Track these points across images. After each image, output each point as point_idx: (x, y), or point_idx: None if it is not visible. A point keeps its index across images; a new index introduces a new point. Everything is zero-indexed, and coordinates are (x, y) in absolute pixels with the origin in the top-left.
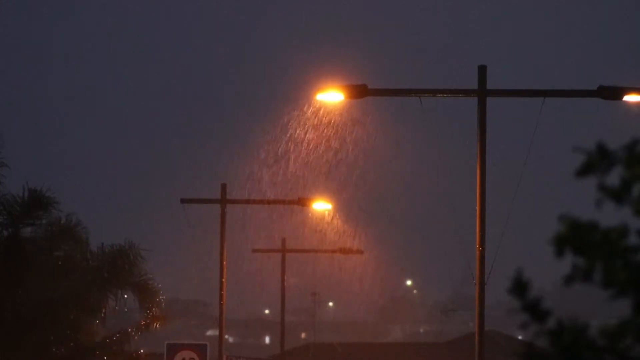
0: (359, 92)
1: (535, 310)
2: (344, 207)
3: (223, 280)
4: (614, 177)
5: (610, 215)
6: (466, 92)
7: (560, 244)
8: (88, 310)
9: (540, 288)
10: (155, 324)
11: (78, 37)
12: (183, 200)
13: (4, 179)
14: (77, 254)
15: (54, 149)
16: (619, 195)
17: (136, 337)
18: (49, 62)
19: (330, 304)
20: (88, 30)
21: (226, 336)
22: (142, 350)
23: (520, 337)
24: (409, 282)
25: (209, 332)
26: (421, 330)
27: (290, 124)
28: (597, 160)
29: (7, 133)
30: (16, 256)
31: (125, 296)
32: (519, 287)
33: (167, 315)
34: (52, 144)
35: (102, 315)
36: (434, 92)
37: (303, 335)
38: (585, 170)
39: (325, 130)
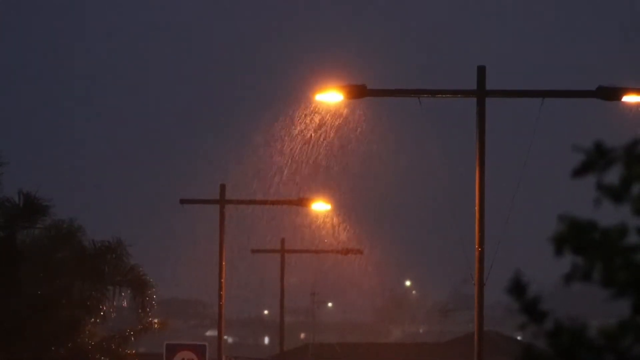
0: (358, 92)
1: (533, 312)
2: (344, 207)
3: (222, 280)
4: (612, 176)
5: (610, 215)
6: (465, 93)
7: (560, 243)
8: (84, 308)
9: (540, 288)
10: (154, 325)
11: (77, 37)
12: (182, 201)
13: (3, 178)
14: (75, 256)
15: (53, 148)
16: (618, 194)
17: (134, 339)
18: (49, 61)
19: (330, 304)
20: (87, 29)
21: (225, 336)
22: (133, 351)
23: (519, 338)
24: (408, 283)
25: (208, 333)
26: (421, 331)
27: (289, 124)
28: (596, 159)
29: (7, 134)
30: (12, 257)
31: (123, 294)
32: (518, 288)
33: (165, 318)
34: (51, 144)
35: (101, 314)
36: (433, 92)
37: (302, 335)
38: (583, 170)
39: (325, 131)
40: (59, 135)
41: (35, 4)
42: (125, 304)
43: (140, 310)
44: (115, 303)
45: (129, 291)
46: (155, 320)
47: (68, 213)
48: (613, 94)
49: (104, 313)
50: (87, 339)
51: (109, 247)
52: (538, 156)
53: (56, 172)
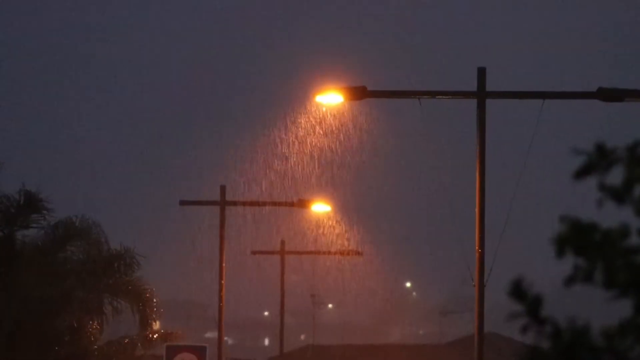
0: (358, 93)
1: (534, 315)
2: (343, 208)
3: (222, 282)
4: (614, 177)
5: (611, 216)
6: (465, 94)
7: (561, 244)
8: (84, 313)
9: (541, 289)
10: (153, 339)
11: (78, 37)
12: (182, 202)
13: (2, 178)
14: (91, 254)
15: (53, 147)
16: (620, 195)
17: (135, 345)
18: (50, 63)
19: (330, 305)
20: (86, 30)
21: (225, 338)
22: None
23: (519, 339)
24: (408, 284)
25: (208, 334)
26: (421, 332)
27: (289, 125)
28: (597, 161)
29: (6, 133)
30: (10, 257)
31: (122, 302)
32: (519, 292)
33: (170, 332)
34: (51, 143)
35: (100, 320)
36: (433, 94)
37: (302, 337)
38: (584, 171)
39: (325, 132)
40: (58, 135)
41: (37, 3)
42: (122, 320)
43: (140, 326)
44: (115, 310)
45: (130, 304)
46: (155, 335)
47: (67, 213)
48: (614, 95)
49: (104, 317)
50: (88, 343)
51: (117, 255)
52: (539, 157)
53: (55, 172)
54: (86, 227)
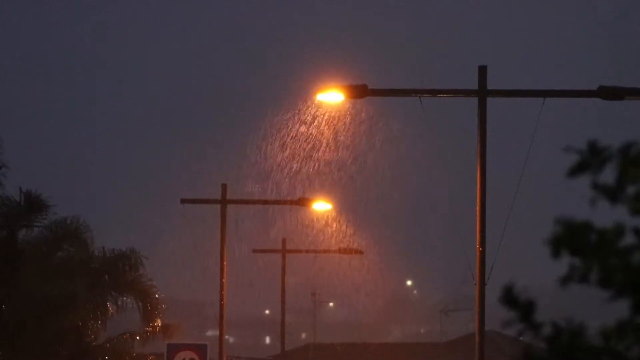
0: (359, 92)
1: (528, 320)
2: (345, 207)
3: (223, 280)
4: (607, 175)
5: (610, 216)
6: (466, 93)
7: (556, 245)
8: (88, 312)
9: (540, 289)
10: (156, 330)
11: (78, 37)
12: (183, 201)
13: (4, 180)
14: (80, 255)
15: (53, 147)
16: (613, 194)
17: (138, 338)
18: (49, 62)
19: (331, 304)
20: (87, 29)
21: (226, 336)
22: (134, 354)
23: (520, 338)
24: (409, 282)
25: (209, 332)
26: (422, 331)
27: (291, 124)
28: (589, 159)
29: (6, 133)
30: (11, 257)
31: (126, 298)
32: (510, 299)
33: (172, 326)
34: (51, 143)
35: (104, 318)
36: (434, 92)
37: (303, 335)
38: (577, 170)
39: (326, 131)
40: (59, 135)
41: (37, 4)
42: (125, 316)
43: (147, 324)
44: (118, 311)
45: (134, 300)
46: (158, 325)
47: (68, 212)
48: (615, 93)
49: (107, 316)
50: (89, 340)
51: (122, 254)
52: (541, 155)
53: (55, 171)
54: (78, 228)
